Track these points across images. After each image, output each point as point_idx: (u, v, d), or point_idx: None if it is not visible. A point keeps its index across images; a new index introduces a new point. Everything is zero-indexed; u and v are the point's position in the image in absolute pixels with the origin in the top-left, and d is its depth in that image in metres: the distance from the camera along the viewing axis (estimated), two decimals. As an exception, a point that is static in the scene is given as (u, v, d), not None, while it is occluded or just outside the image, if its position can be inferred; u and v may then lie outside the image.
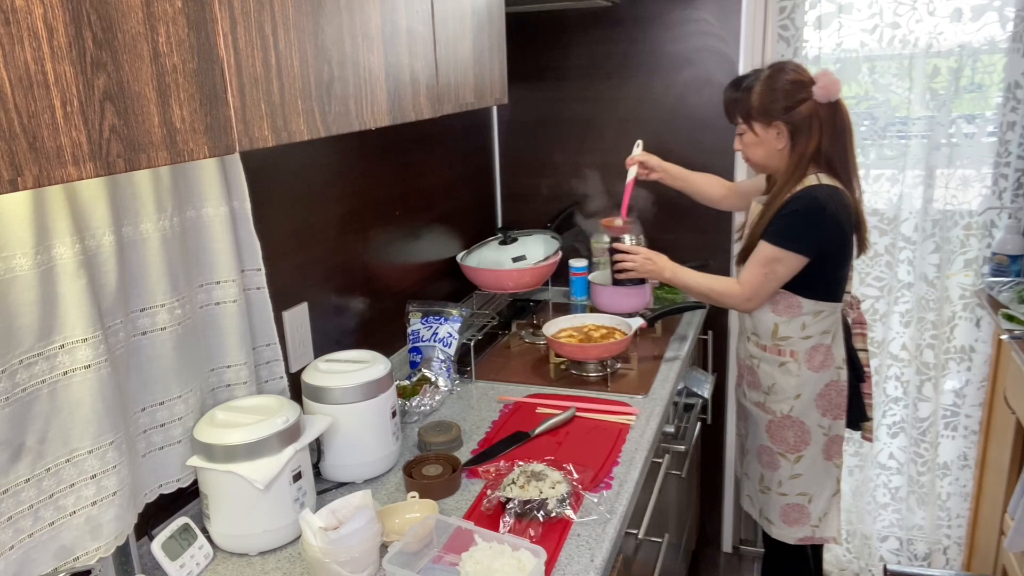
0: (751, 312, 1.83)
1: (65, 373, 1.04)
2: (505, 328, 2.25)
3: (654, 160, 2.07)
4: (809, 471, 1.86)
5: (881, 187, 2.36)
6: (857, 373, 1.88)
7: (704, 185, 2.11)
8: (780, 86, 1.69)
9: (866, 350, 1.92)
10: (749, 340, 1.89)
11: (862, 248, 1.80)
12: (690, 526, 2.45)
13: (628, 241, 1.96)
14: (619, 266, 1.93)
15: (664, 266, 1.87)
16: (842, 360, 1.82)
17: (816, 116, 1.68)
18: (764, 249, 1.72)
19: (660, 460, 1.72)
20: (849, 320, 1.90)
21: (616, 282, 2.01)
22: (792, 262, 1.70)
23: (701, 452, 2.60)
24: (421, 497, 1.33)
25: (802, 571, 2.02)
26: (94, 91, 0.68)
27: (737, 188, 2.12)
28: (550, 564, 1.18)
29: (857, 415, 1.90)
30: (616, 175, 2.47)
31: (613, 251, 1.95)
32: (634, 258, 1.90)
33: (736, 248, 2.07)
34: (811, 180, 1.69)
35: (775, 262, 1.71)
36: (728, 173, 2.36)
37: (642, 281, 2.01)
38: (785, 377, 1.81)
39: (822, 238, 1.68)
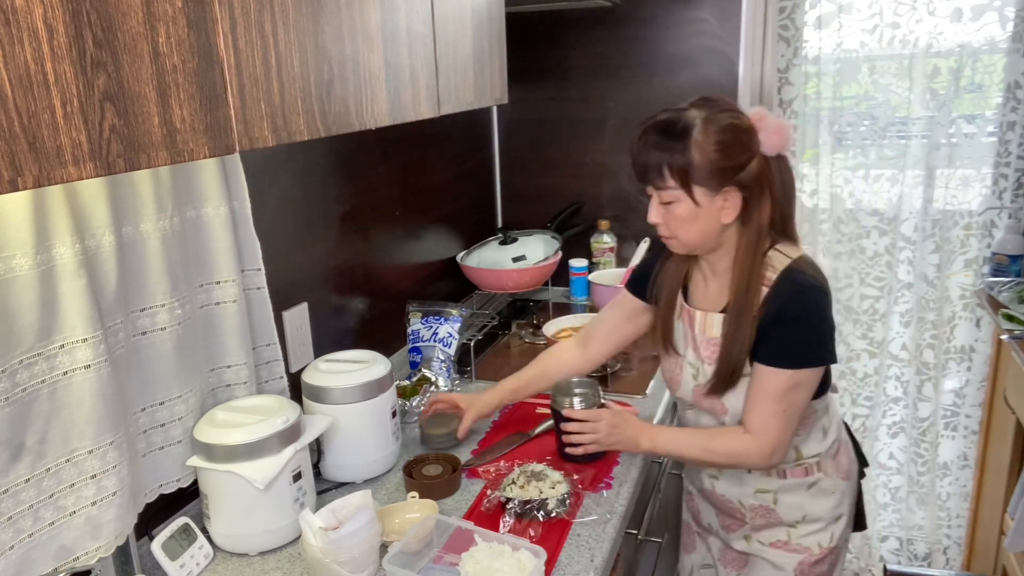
0: (775, 466, 1.33)
1: (65, 373, 1.04)
2: (505, 328, 2.25)
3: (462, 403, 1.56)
4: None
5: (881, 187, 2.35)
6: (859, 454, 1.49)
7: (551, 370, 1.57)
8: (727, 135, 1.20)
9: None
10: (750, 472, 1.37)
11: None
12: (690, 526, 2.45)
13: (577, 405, 1.42)
14: (572, 439, 1.40)
15: (636, 433, 1.37)
16: (852, 449, 1.46)
17: (766, 175, 1.24)
18: (771, 378, 1.24)
19: (660, 460, 1.72)
20: None
21: (567, 458, 1.45)
22: (813, 380, 1.27)
23: (701, 452, 2.60)
24: (421, 497, 1.33)
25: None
26: (94, 91, 0.68)
27: (592, 333, 1.57)
28: (550, 564, 1.18)
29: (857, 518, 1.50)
30: (616, 175, 2.48)
31: (560, 419, 1.43)
32: (594, 427, 1.37)
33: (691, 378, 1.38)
34: (778, 259, 1.26)
35: (793, 390, 1.24)
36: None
37: (603, 455, 1.46)
38: (820, 500, 1.37)
39: (834, 328, 1.28)
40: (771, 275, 1.24)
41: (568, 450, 1.43)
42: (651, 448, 1.36)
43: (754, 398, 1.26)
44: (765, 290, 1.24)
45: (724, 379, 1.28)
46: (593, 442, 1.38)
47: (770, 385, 1.24)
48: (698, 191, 1.22)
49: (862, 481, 1.48)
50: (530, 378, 1.57)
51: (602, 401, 1.45)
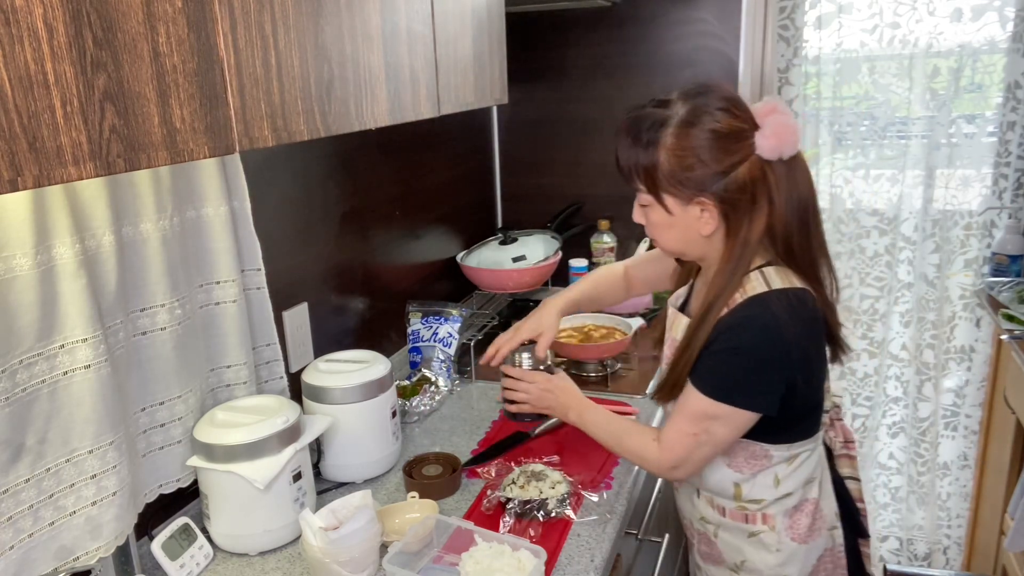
0: (681, 480, 1.30)
1: (65, 373, 1.04)
2: (505, 328, 2.24)
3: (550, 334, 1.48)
4: None
5: (881, 187, 2.36)
6: (854, 525, 1.30)
7: (605, 293, 1.58)
8: (702, 140, 1.08)
9: (857, 478, 1.35)
10: (700, 496, 1.30)
11: (837, 356, 1.24)
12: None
13: (526, 364, 1.44)
14: (508, 395, 1.44)
15: (567, 403, 1.37)
16: (835, 516, 1.27)
17: (762, 182, 1.09)
18: (692, 398, 1.15)
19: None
20: (829, 443, 1.36)
21: (508, 415, 1.49)
22: (736, 420, 1.14)
23: (701, 452, 2.60)
24: (421, 497, 1.33)
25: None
26: (94, 91, 0.68)
27: (638, 274, 1.57)
28: (550, 564, 1.18)
29: None
30: (616, 175, 2.47)
31: (504, 375, 1.47)
32: (528, 387, 1.40)
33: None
34: (756, 282, 1.12)
35: (710, 420, 1.14)
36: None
37: (539, 416, 1.46)
38: (759, 553, 1.25)
39: (782, 380, 1.12)
40: (739, 297, 1.12)
41: (504, 406, 1.47)
42: (576, 422, 1.36)
43: (675, 411, 1.20)
44: (726, 311, 1.13)
45: (667, 385, 1.22)
46: (524, 401, 1.41)
47: (688, 404, 1.16)
48: (668, 198, 1.12)
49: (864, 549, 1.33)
50: (584, 298, 1.54)
51: (549, 364, 1.46)
